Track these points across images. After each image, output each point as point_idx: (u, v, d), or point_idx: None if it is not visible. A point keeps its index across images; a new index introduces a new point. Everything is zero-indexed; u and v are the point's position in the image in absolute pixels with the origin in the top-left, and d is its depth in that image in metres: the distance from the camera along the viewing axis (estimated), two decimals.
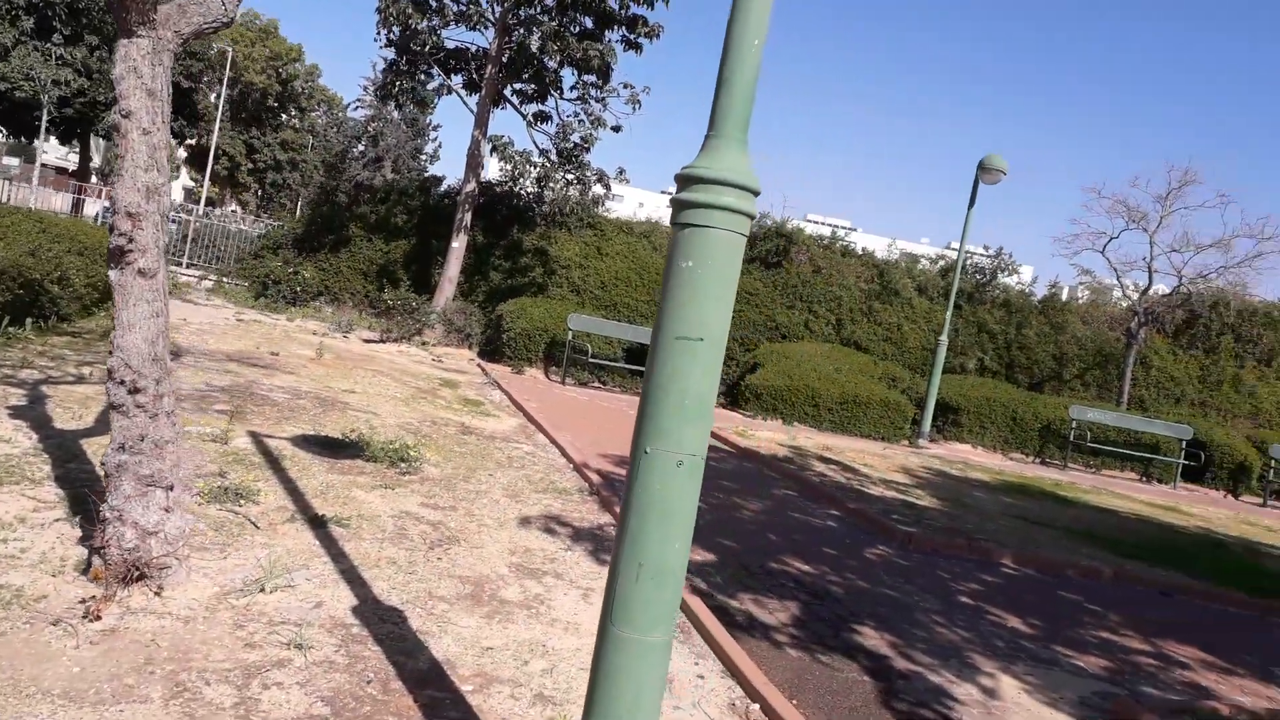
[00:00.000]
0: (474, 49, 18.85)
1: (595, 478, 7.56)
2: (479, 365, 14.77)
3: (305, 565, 4.53)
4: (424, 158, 42.93)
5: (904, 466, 12.14)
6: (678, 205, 2.46)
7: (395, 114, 36.24)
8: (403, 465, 6.69)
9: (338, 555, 4.77)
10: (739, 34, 2.43)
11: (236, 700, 3.22)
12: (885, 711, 4.27)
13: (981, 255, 23.19)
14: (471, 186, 18.44)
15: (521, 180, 19.94)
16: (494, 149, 18.07)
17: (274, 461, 6.21)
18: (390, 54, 18.70)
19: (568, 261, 19.89)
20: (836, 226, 41.65)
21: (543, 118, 19.29)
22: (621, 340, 16.08)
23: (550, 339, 15.60)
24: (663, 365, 2.45)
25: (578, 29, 17.86)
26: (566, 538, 5.91)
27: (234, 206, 56.19)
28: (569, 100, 18.89)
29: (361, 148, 37.48)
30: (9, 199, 24.62)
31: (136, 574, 3.84)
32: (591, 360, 15.29)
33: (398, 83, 18.82)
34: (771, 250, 21.06)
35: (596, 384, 15.82)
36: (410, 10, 16.78)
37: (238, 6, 4.07)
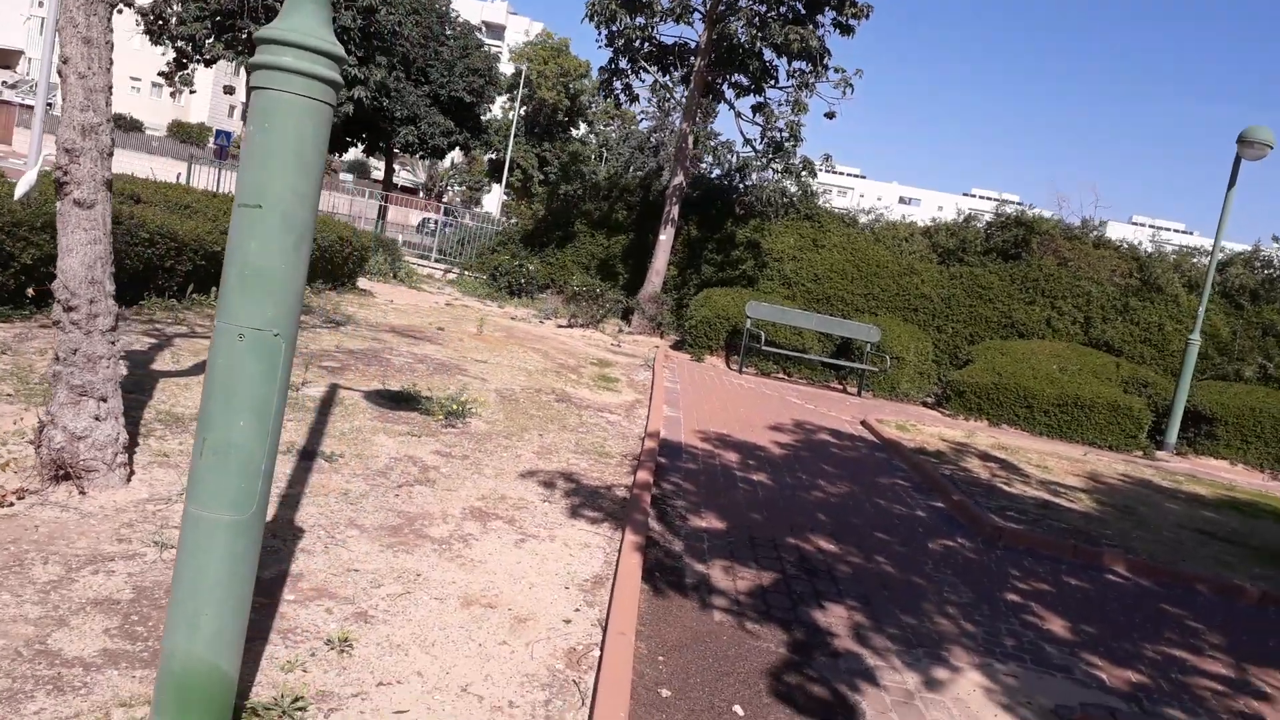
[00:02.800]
0: (682, 43, 19.04)
1: (652, 445, 7.39)
2: (660, 352, 14.90)
3: None
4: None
5: (1093, 473, 10.69)
6: (249, 69, 2.40)
7: (679, 124, 37.54)
8: (453, 419, 6.93)
9: (294, 482, 5.05)
10: None
11: (57, 578, 3.53)
12: (761, 681, 3.83)
13: (1274, 248, 19.84)
14: (679, 180, 18.62)
15: (736, 173, 19.87)
16: (698, 140, 18.11)
17: (325, 408, 6.68)
18: (608, 53, 19.36)
19: (780, 254, 19.53)
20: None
21: (758, 109, 19.09)
22: (811, 330, 15.53)
23: (732, 327, 15.39)
24: (229, 236, 2.39)
25: (788, 14, 17.48)
26: (560, 493, 5.85)
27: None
28: (781, 89, 18.56)
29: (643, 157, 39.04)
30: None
31: (62, 473, 4.31)
32: (769, 349, 14.89)
33: (614, 80, 19.44)
34: (1009, 241, 19.36)
35: (781, 375, 15.39)
36: (615, 7, 17.26)
37: None
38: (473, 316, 13.80)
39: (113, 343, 4.50)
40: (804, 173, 18.30)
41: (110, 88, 4.43)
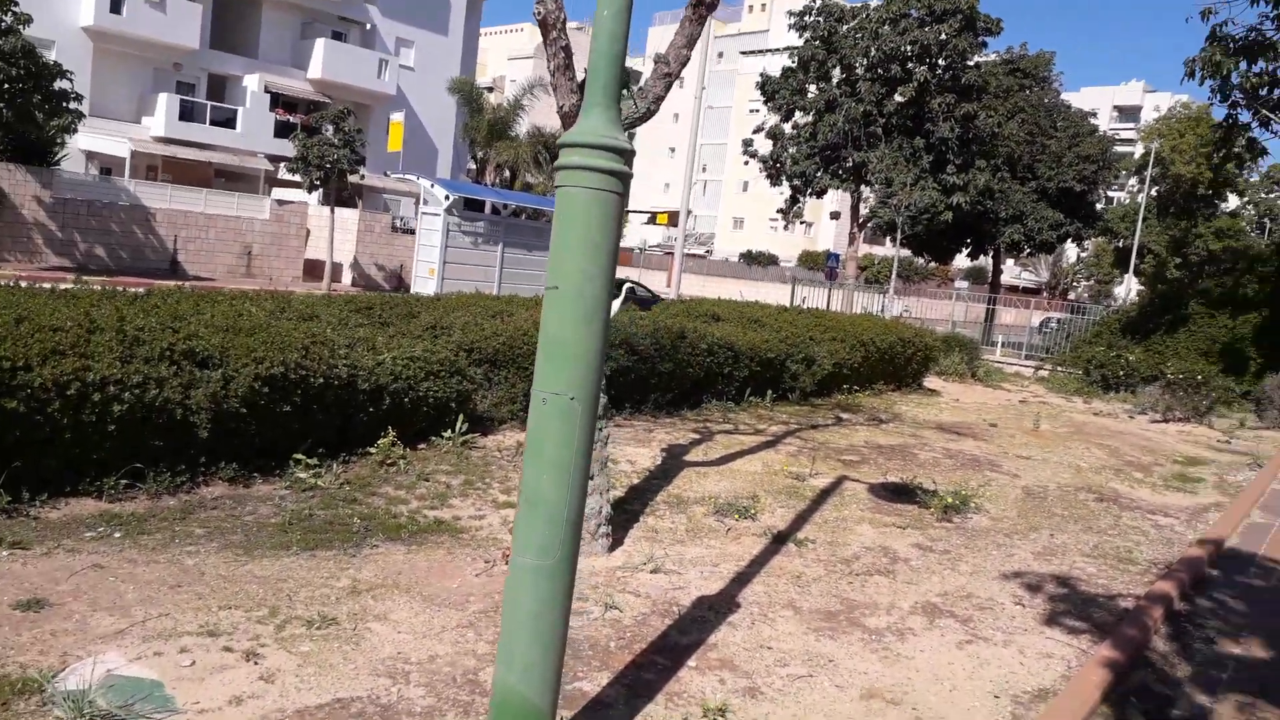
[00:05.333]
0: None
1: (1199, 554, 6.09)
2: None
3: (712, 563, 5.22)
4: None
5: None
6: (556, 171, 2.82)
7: None
8: (950, 513, 6.60)
9: (755, 563, 5.30)
10: (598, 7, 2.73)
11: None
12: None
13: None
14: None
15: None
16: None
17: (822, 497, 6.87)
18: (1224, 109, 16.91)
19: None
20: None
21: None
22: None
23: None
24: (542, 315, 2.79)
25: None
26: (1043, 597, 5.17)
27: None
28: None
29: None
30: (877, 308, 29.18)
31: None
32: None
33: (1233, 136, 16.86)
34: None
35: None
36: (1219, 57, 15.08)
37: (654, 103, 5.09)
38: (1043, 413, 12.83)
39: (599, 428, 5.29)
40: None
41: None
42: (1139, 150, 62.97)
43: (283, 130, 32.57)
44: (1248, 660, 4.60)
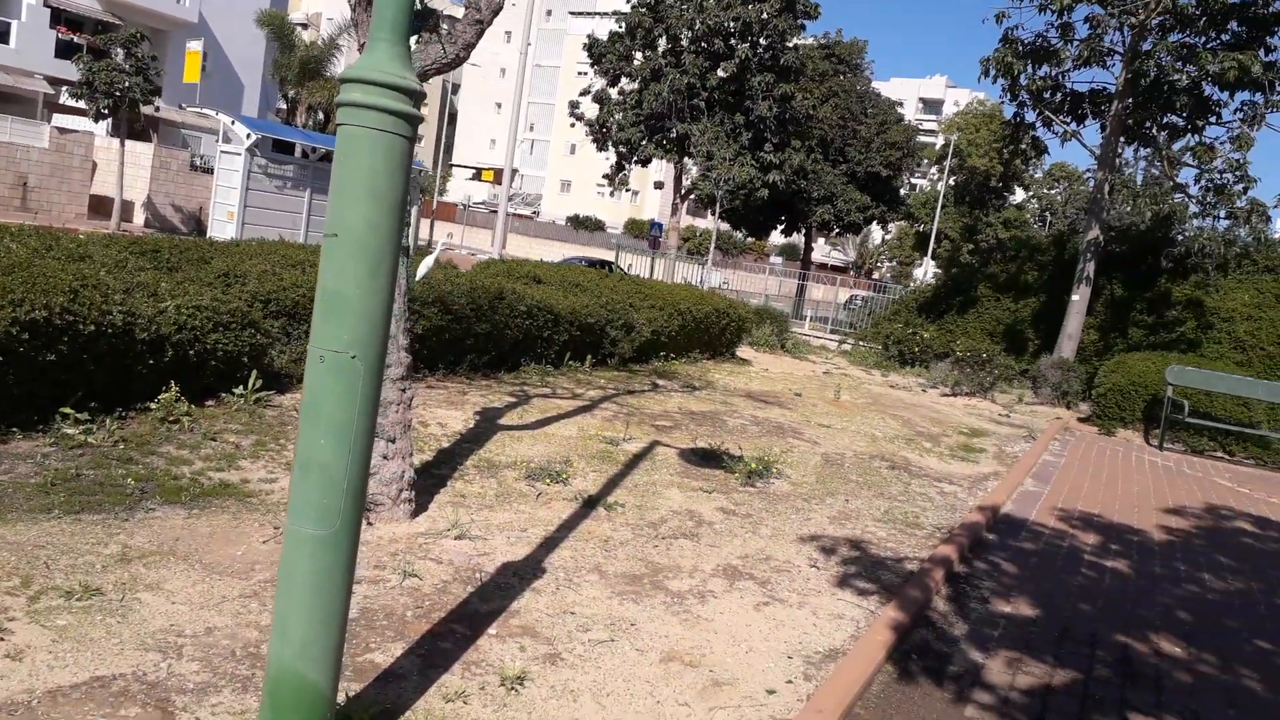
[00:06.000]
0: (1098, 88, 17.22)
1: (978, 519, 6.56)
2: (1060, 424, 13.29)
3: (520, 528, 5.12)
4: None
5: None
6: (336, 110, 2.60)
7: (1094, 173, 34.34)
8: (753, 479, 6.78)
9: (565, 527, 5.25)
10: None
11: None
12: None
13: None
14: (1094, 234, 16.70)
15: (1162, 223, 17.42)
16: (1112, 189, 16.17)
17: (634, 461, 6.90)
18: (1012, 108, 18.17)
19: (1230, 313, 16.63)
20: None
21: (1203, 150, 16.56)
22: (1261, 401, 12.86)
23: (1151, 396, 13.24)
24: (320, 267, 2.57)
25: (1225, 40, 15.10)
26: (836, 560, 5.40)
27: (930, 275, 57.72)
28: (1224, 124, 15.97)
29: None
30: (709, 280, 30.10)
31: None
32: (1204, 422, 12.54)
33: (1019, 134, 18.16)
34: None
35: (1221, 454, 12.88)
36: (1010, 59, 16.16)
37: (464, 50, 4.93)
38: (844, 384, 13.48)
39: (403, 390, 5.06)
40: (1254, 217, 15.47)
41: None
42: (940, 141, 67.08)
43: (66, 51, 29.56)
44: (1017, 618, 4.97)
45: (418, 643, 3.66)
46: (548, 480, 5.98)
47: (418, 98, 2.54)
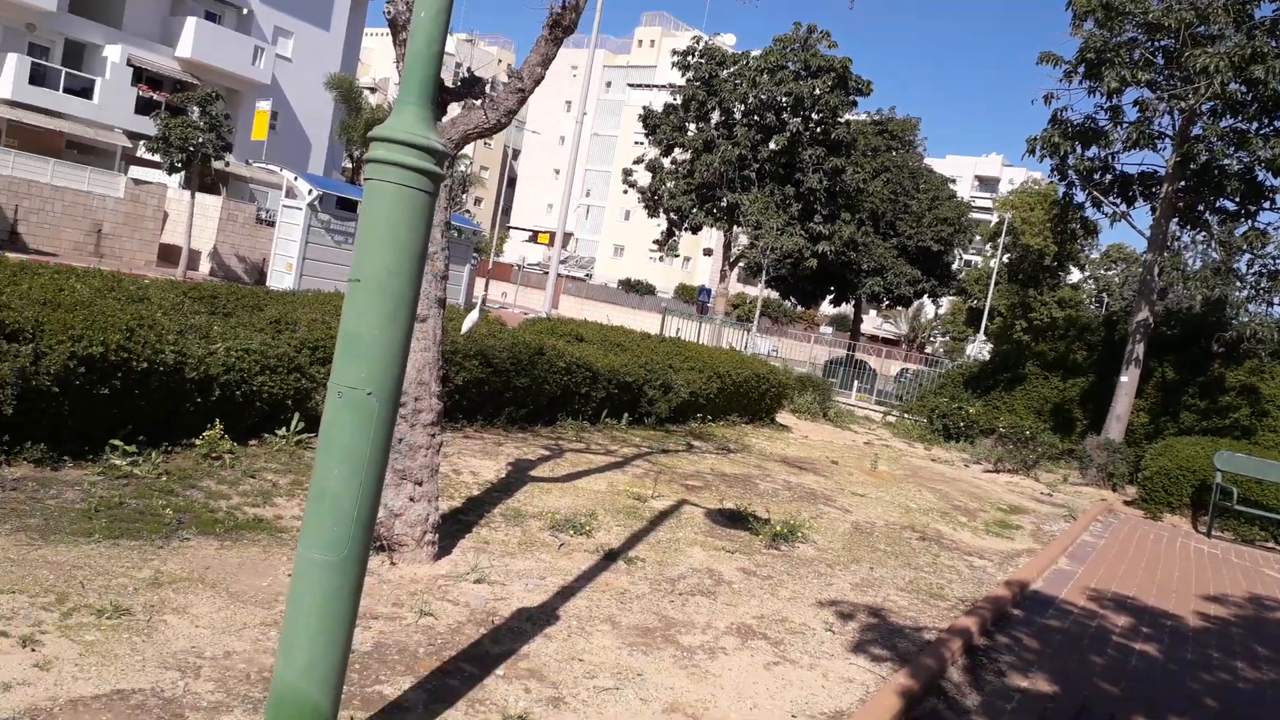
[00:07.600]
0: (1148, 170, 17.22)
1: (1003, 593, 6.48)
2: (1104, 505, 13.02)
3: (539, 576, 5.21)
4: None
5: None
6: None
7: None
8: (778, 541, 6.79)
9: (584, 578, 5.32)
10: (415, 8, 2.73)
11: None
12: None
13: None
14: (1144, 315, 16.53)
15: (1224, 306, 17.18)
16: (1162, 271, 16.04)
17: (660, 519, 6.96)
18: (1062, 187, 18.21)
19: None
20: None
21: (1255, 235, 16.39)
22: None
23: (1200, 482, 12.94)
24: (343, 309, 2.75)
25: (1275, 128, 15.06)
26: (853, 626, 5.38)
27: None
28: (1276, 210, 15.85)
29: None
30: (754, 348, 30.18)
31: (379, 544, 5.04)
32: (1252, 510, 12.21)
33: (1068, 215, 18.16)
34: None
35: (1272, 544, 12.50)
36: (1057, 139, 16.24)
37: (505, 116, 5.21)
38: (884, 455, 13.39)
39: (432, 435, 5.23)
40: None
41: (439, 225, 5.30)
42: (995, 218, 66.93)
43: (145, 107, 31.03)
44: (1033, 693, 4.90)
45: (426, 678, 3.75)
46: (571, 532, 6.08)
47: (441, 156, 2.74)
